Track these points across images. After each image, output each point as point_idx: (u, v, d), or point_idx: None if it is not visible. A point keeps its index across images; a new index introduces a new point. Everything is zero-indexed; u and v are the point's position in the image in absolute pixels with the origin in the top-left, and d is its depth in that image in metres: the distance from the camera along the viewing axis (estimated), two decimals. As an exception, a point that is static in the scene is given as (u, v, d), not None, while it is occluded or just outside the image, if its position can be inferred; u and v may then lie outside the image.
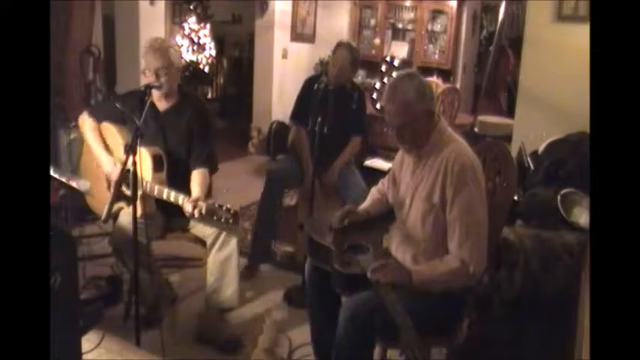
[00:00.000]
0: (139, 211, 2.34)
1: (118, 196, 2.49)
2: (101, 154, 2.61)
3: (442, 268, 1.88)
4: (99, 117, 2.66)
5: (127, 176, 2.27)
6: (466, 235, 1.87)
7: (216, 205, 2.22)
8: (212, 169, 2.66)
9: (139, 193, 2.31)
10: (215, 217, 2.23)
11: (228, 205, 2.21)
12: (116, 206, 2.55)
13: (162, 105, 2.61)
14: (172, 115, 2.62)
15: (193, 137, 2.62)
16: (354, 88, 3.41)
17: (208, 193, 2.66)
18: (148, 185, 2.43)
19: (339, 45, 3.29)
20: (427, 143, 1.98)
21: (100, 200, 2.63)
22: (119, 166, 2.50)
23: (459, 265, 1.86)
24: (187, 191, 2.46)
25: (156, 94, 2.55)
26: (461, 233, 1.87)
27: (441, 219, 1.93)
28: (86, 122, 2.68)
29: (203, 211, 2.25)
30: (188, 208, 2.29)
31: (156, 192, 2.42)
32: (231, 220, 2.20)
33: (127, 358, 2.02)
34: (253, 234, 3.43)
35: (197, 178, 2.55)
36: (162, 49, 2.53)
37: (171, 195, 2.38)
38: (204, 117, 2.71)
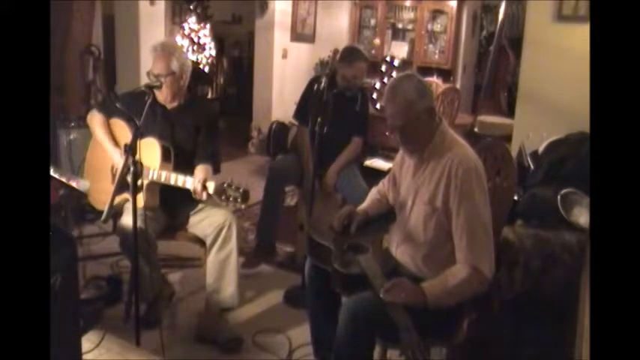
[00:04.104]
0: (143, 203, 2.35)
1: (121, 188, 2.50)
2: (110, 147, 2.63)
3: (454, 280, 1.85)
4: (108, 113, 2.69)
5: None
6: (474, 240, 1.86)
7: (225, 185, 2.21)
8: (215, 168, 2.67)
9: (145, 182, 2.32)
10: (224, 197, 2.22)
11: (238, 184, 2.19)
12: (120, 198, 2.56)
13: (169, 104, 2.66)
14: (180, 114, 2.66)
15: (199, 135, 2.66)
16: (358, 89, 3.41)
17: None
18: (156, 173, 2.46)
19: (358, 57, 3.24)
20: (430, 144, 1.97)
21: (103, 197, 2.62)
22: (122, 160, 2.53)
23: (470, 273, 1.84)
24: None
25: (160, 96, 2.58)
26: (469, 240, 1.86)
27: (443, 222, 1.93)
28: (95, 118, 2.70)
29: (211, 191, 2.24)
30: (197, 187, 2.30)
31: (163, 178, 2.45)
32: (239, 199, 2.19)
33: (127, 358, 2.02)
34: (258, 228, 3.48)
35: (201, 170, 2.56)
36: (164, 56, 2.54)
37: (178, 179, 2.41)
38: (210, 117, 2.76)
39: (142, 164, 2.21)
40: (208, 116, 2.74)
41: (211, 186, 2.26)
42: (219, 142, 2.80)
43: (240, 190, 2.18)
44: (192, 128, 2.66)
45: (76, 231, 3.54)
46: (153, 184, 2.48)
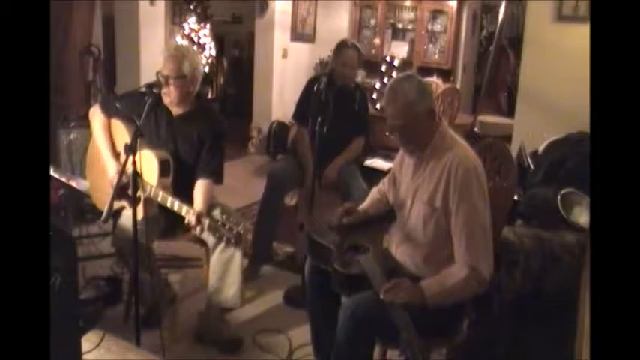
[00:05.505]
0: (142, 213, 2.33)
1: (120, 195, 2.50)
2: (107, 158, 2.60)
3: (452, 279, 1.85)
4: (110, 112, 2.64)
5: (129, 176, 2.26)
6: (473, 241, 1.86)
7: (220, 224, 2.21)
8: (217, 182, 2.62)
9: (143, 196, 2.31)
10: (217, 235, 2.22)
11: (232, 225, 2.18)
12: (118, 205, 2.55)
13: (175, 110, 2.59)
14: (185, 122, 2.59)
15: (203, 147, 2.60)
16: (356, 88, 3.42)
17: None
18: (153, 190, 2.42)
19: (346, 45, 3.28)
20: (429, 145, 1.97)
21: (104, 197, 2.62)
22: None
23: (468, 273, 1.84)
24: (190, 199, 2.46)
25: (167, 98, 2.53)
26: (468, 240, 1.86)
27: (442, 222, 1.93)
28: (97, 116, 2.66)
29: (205, 228, 2.24)
30: (192, 221, 2.29)
31: (160, 199, 2.41)
32: (233, 241, 2.19)
33: (127, 358, 2.02)
34: (254, 237, 3.40)
35: (201, 189, 2.53)
36: (175, 57, 2.49)
37: (175, 204, 2.37)
38: (217, 130, 2.65)
39: (141, 176, 2.19)
40: (216, 129, 2.64)
41: (206, 223, 2.24)
42: (224, 155, 2.70)
43: (234, 232, 2.17)
44: (197, 139, 2.59)
45: (76, 231, 3.55)
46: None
